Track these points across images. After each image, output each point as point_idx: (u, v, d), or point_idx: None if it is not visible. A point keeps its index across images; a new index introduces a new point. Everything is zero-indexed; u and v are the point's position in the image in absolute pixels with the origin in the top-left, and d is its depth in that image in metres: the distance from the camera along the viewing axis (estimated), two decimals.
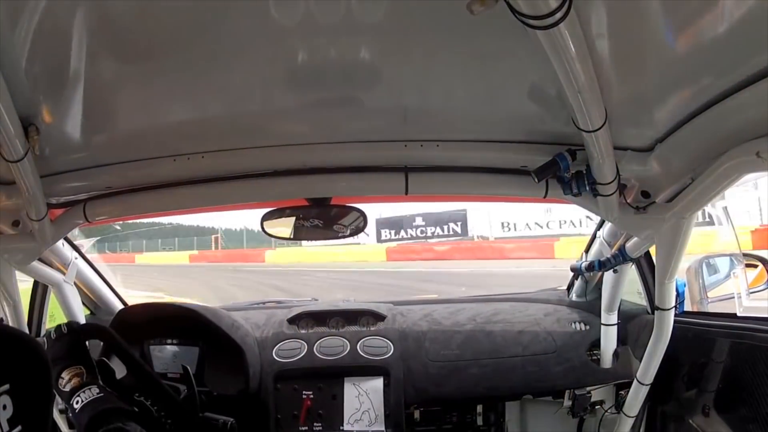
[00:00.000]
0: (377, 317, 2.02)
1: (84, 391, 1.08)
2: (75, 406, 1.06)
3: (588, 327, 1.95)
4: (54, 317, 1.90)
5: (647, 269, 1.75)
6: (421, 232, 17.54)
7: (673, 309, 1.53)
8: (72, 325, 1.37)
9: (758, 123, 0.90)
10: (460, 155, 1.28)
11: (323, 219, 1.48)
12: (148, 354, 1.80)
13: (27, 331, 1.69)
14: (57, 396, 1.63)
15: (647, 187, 1.25)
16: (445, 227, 17.20)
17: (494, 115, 1.18)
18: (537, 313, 2.04)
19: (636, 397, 1.72)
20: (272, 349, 1.86)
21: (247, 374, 1.71)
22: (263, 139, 1.26)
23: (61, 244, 1.67)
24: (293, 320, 2.02)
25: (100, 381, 1.22)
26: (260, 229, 1.54)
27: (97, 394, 1.08)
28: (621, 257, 1.56)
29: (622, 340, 1.86)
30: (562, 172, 1.19)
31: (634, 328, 1.85)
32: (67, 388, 1.11)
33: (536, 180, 1.21)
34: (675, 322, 1.55)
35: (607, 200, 1.23)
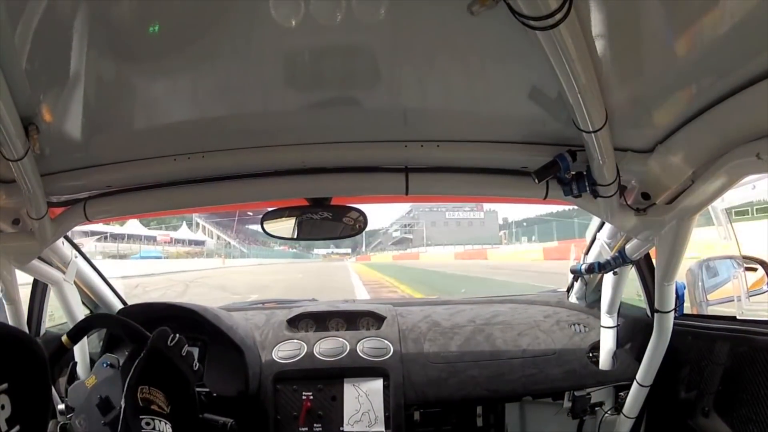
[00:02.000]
0: (377, 318, 2.02)
1: (160, 421, 1.01)
2: (143, 425, 1.02)
3: (587, 329, 1.96)
4: (54, 317, 1.90)
5: (647, 271, 1.74)
6: None
7: (673, 311, 1.53)
8: (181, 343, 1.16)
9: (759, 124, 0.90)
10: (460, 156, 1.28)
11: (323, 219, 1.48)
12: None
13: (27, 330, 1.69)
14: (57, 396, 1.65)
15: (647, 188, 1.25)
16: None
17: (494, 116, 1.17)
18: (536, 315, 2.04)
19: (636, 399, 1.72)
20: (272, 350, 1.86)
21: (247, 375, 1.70)
22: (263, 139, 1.26)
23: (61, 243, 1.67)
24: (293, 321, 2.02)
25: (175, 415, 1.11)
26: None
27: None
28: (621, 259, 1.56)
29: (621, 342, 1.86)
30: (563, 173, 1.19)
31: (633, 330, 1.84)
32: (142, 404, 1.02)
33: (536, 181, 1.21)
34: (675, 324, 1.55)
35: (607, 202, 1.23)
